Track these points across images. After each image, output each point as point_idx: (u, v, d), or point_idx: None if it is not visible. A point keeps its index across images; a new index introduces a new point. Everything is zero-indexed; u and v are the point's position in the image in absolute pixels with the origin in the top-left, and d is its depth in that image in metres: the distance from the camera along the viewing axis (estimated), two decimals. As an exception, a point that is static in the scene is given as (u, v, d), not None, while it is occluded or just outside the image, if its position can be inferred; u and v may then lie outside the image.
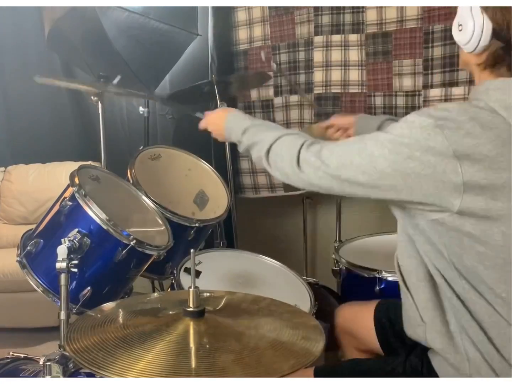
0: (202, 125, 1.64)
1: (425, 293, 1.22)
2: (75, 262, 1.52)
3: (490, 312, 1.14)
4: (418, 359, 1.30)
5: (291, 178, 1.27)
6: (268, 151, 1.32)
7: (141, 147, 2.32)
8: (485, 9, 1.13)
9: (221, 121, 1.52)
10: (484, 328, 1.15)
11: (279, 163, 1.29)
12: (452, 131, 1.08)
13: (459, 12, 1.19)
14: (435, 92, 2.52)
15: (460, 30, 1.18)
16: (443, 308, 1.21)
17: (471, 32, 1.15)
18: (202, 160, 2.40)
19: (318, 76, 2.80)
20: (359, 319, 1.61)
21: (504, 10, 1.12)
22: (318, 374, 1.34)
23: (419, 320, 1.24)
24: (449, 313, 1.20)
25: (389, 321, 1.51)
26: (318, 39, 2.75)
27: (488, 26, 1.13)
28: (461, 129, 1.08)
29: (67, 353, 1.22)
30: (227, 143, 2.79)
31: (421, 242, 1.19)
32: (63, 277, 1.50)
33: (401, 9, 2.54)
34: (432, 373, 1.25)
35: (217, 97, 2.69)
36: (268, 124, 1.46)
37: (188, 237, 2.09)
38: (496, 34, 1.13)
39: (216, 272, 1.92)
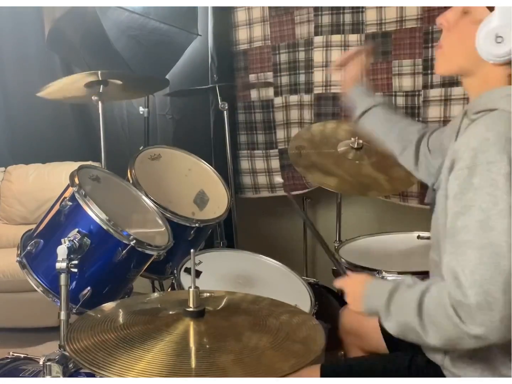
0: (339, 284, 1.37)
1: None
2: (75, 262, 1.52)
3: None
4: (424, 358, 1.29)
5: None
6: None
7: (141, 147, 2.32)
8: None
9: (359, 288, 1.27)
10: None
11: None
12: None
13: (495, 22, 1.12)
14: (434, 92, 2.52)
15: (499, 42, 1.11)
16: None
17: None
18: (202, 160, 2.40)
19: (318, 76, 2.80)
20: (364, 319, 1.59)
21: None
22: (324, 370, 1.34)
23: None
24: None
25: None
26: (318, 39, 2.75)
27: None
28: None
29: (67, 353, 1.22)
30: (227, 142, 2.79)
31: None
32: (63, 277, 1.50)
33: (401, 9, 2.54)
34: (438, 373, 1.25)
35: (219, 98, 2.69)
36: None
37: (188, 237, 2.09)
38: None
39: (216, 272, 1.92)
